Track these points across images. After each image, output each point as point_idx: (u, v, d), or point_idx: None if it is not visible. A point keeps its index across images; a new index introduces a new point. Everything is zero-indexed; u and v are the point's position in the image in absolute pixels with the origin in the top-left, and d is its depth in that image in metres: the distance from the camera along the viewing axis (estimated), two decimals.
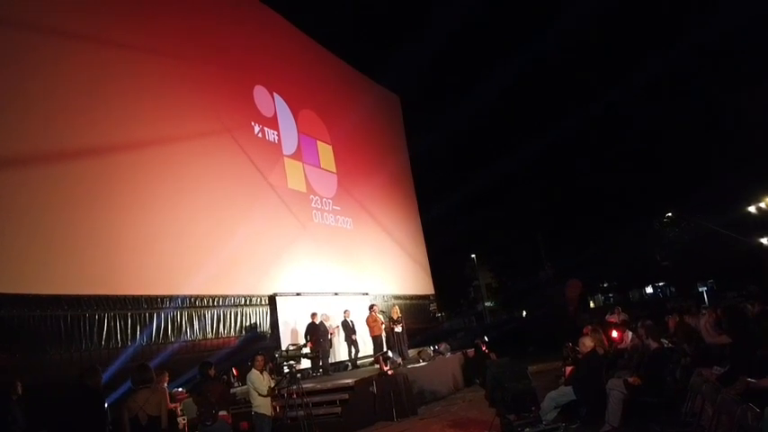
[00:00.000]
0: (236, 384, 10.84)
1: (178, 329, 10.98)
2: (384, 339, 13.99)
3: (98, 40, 10.62)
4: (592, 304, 39.37)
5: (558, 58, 31.99)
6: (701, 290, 33.93)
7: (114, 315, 9.79)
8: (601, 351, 8.77)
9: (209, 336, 11.67)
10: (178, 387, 9.22)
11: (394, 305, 16.14)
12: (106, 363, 8.93)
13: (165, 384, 8.56)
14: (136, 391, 5.17)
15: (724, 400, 4.49)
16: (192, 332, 11.27)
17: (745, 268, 27.43)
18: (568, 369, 8.97)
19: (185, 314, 11.22)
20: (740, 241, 25.90)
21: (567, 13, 26.77)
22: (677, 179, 30.29)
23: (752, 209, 23.89)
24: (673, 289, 40.46)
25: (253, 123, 14.51)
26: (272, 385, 7.50)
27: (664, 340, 8.16)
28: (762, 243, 25.31)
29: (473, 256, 38.14)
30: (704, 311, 10.43)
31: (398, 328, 14.30)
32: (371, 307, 14.38)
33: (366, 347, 14.43)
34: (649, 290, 45.35)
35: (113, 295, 9.81)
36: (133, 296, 10.16)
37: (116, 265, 9.91)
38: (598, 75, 32.16)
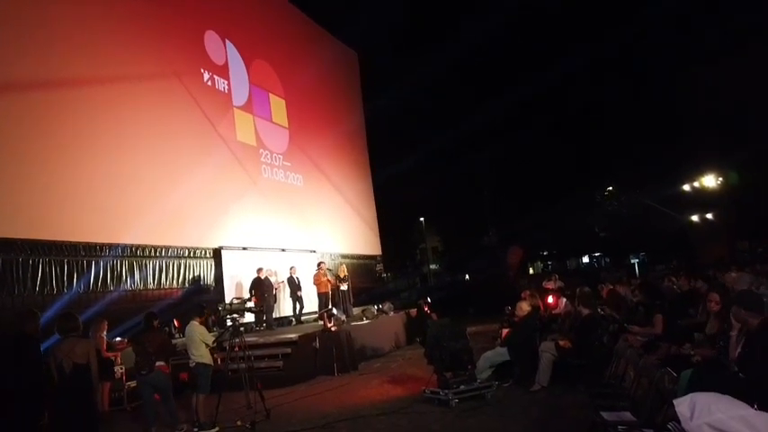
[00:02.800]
0: (176, 336, 10.75)
1: (118, 278, 10.71)
2: (329, 297, 14.12)
3: None
4: (531, 270, 40.86)
5: (512, 26, 31.97)
6: (633, 261, 35.69)
7: (49, 261, 9.45)
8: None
9: (151, 286, 11.45)
10: (117, 337, 9.09)
11: (341, 264, 16.25)
12: (41, 309, 8.56)
13: (104, 333, 8.42)
14: (61, 340, 5.06)
15: (645, 364, 4.82)
16: (133, 282, 11.03)
17: (676, 243, 29.04)
18: (505, 331, 9.35)
19: (126, 263, 10.94)
20: (674, 217, 27.30)
21: None
22: (619, 155, 31.40)
23: (686, 187, 25.12)
24: (608, 259, 42.40)
25: (202, 70, 13.95)
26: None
27: (600, 308, 8.60)
28: (692, 220, 26.77)
29: (421, 219, 38.59)
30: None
31: (344, 287, 14.45)
32: (319, 264, 14.42)
33: (311, 304, 14.53)
34: (586, 259, 47.33)
35: (48, 240, 9.43)
36: (70, 242, 9.81)
37: (52, 210, 9.50)
38: (550, 45, 32.46)
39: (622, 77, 31.61)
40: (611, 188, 35.23)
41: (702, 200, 24.94)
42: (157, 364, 6.43)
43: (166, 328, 9.94)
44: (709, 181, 23.16)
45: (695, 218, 26.55)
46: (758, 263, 13.43)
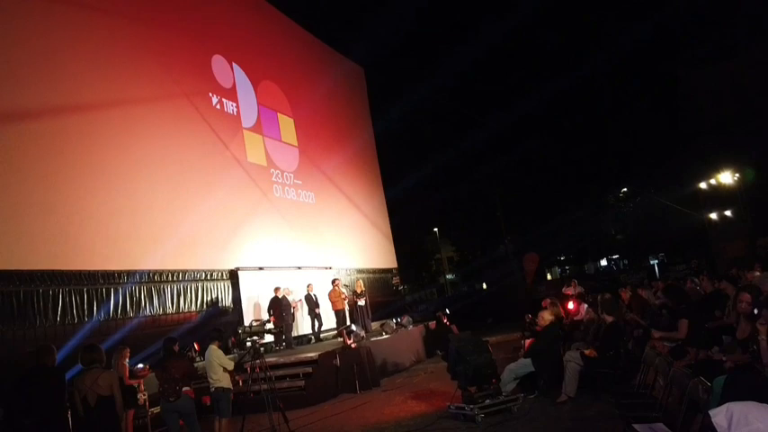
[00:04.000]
0: (197, 359, 10.75)
1: (137, 305, 10.75)
2: (347, 313, 14.06)
3: None
4: (549, 276, 40.47)
5: (521, 36, 32.12)
6: (652, 263, 35.22)
7: (69, 291, 9.48)
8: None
9: (170, 311, 11.47)
10: (139, 363, 9.08)
11: (357, 279, 16.20)
12: (63, 339, 8.71)
13: (126, 360, 8.42)
14: (84, 372, 5.06)
15: (675, 373, 4.68)
16: (152, 307, 11.06)
17: (694, 242, 28.65)
18: (527, 342, 9.22)
19: (144, 289, 10.97)
20: (691, 216, 26.95)
21: None
22: (633, 155, 31.17)
23: (703, 185, 24.82)
24: (626, 262, 41.90)
25: (211, 95, 14.05)
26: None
27: (628, 312, 8.47)
28: (711, 218, 26.41)
29: (435, 230, 38.48)
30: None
31: (362, 302, 14.38)
32: (334, 281, 14.37)
33: (329, 321, 14.48)
34: (603, 262, 46.82)
35: (68, 270, 9.48)
36: (89, 271, 9.85)
37: (70, 239, 9.56)
38: (559, 52, 32.52)
39: (629, 80, 31.51)
40: (625, 189, 34.90)
41: (720, 197, 24.61)
42: (184, 389, 6.41)
43: (189, 353, 9.92)
44: (726, 178, 22.84)
45: (714, 215, 26.18)
46: None
